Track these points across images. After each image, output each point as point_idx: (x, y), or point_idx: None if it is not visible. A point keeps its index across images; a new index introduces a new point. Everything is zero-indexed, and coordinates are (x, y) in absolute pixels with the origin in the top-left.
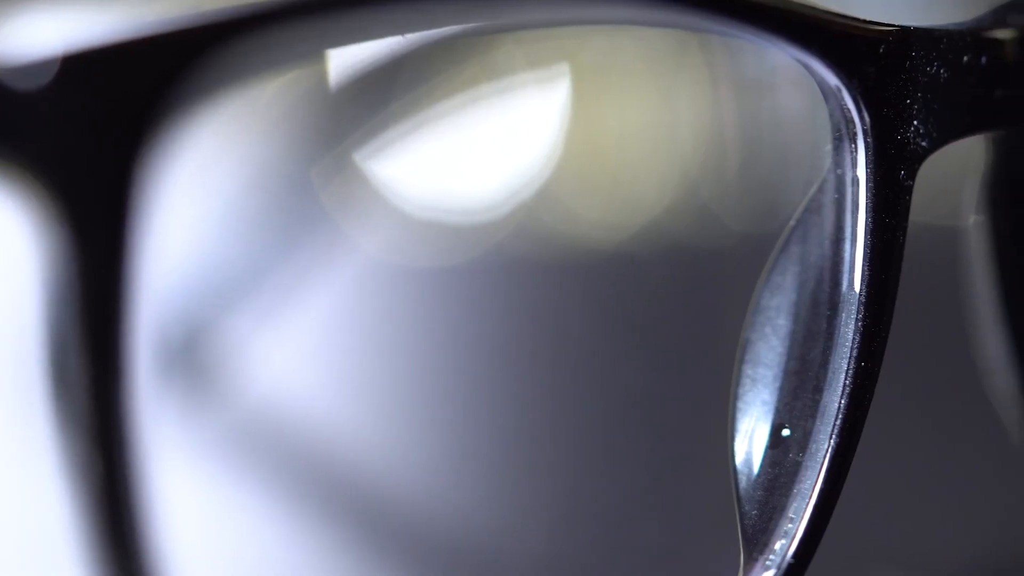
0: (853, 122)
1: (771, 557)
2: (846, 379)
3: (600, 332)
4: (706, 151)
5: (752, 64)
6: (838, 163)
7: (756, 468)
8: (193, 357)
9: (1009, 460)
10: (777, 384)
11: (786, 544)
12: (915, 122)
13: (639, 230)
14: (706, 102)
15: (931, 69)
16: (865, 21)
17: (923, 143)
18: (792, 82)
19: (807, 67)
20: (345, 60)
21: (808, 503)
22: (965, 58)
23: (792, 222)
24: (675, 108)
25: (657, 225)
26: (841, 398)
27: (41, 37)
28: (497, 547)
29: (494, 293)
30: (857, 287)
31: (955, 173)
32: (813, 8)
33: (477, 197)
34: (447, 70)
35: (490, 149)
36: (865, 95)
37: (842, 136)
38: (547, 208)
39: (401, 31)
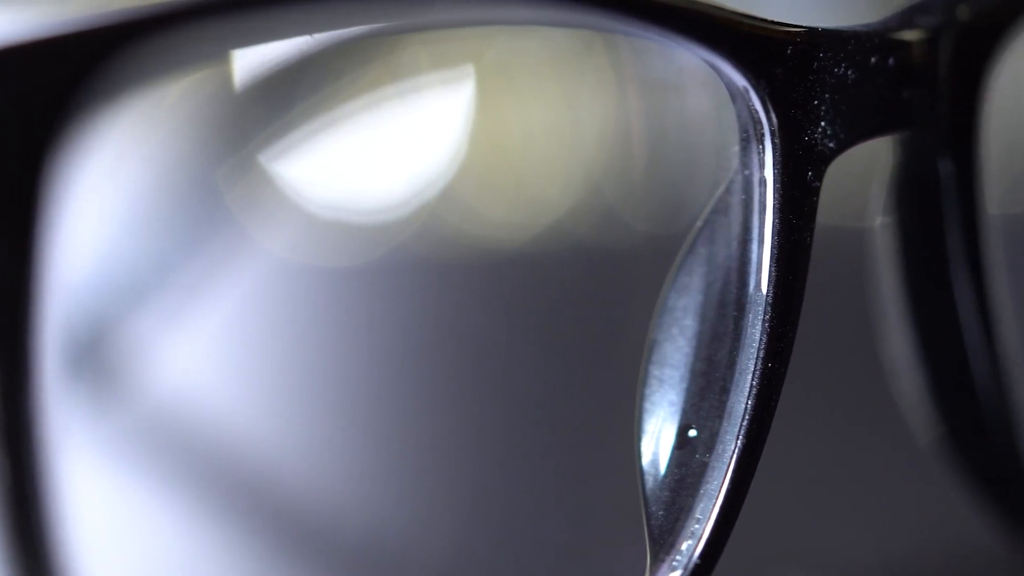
0: (760, 123)
1: (677, 558)
2: (753, 380)
3: (504, 332)
4: (611, 152)
5: (659, 65)
6: (745, 164)
7: (663, 469)
8: (99, 356)
9: (914, 460)
10: (684, 385)
11: (693, 544)
12: (822, 123)
13: (543, 230)
14: (611, 103)
15: (839, 70)
16: (773, 22)
17: (830, 144)
18: (699, 83)
19: (715, 68)
20: (250, 61)
21: (715, 504)
22: (873, 59)
23: (699, 223)
24: (580, 109)
25: (561, 225)
26: (748, 399)
27: None
28: (403, 546)
29: (397, 293)
30: (764, 288)
31: (862, 174)
32: (721, 9)
33: (381, 197)
34: (352, 71)
35: (394, 150)
36: (773, 96)
37: (749, 137)
38: (450, 208)
39: (306, 31)
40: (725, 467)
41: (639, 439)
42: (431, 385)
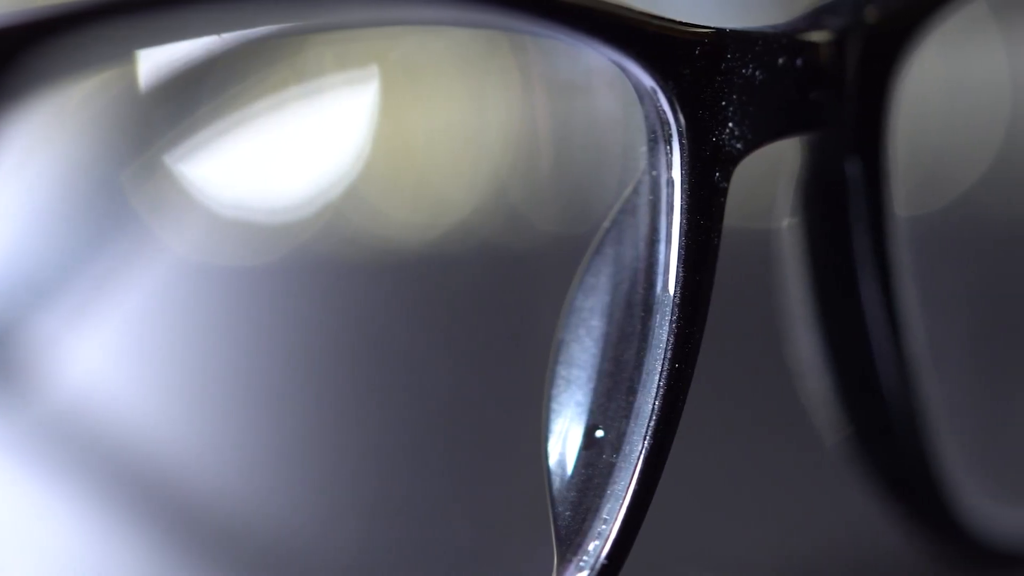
0: (668, 124)
1: (584, 558)
2: (660, 380)
3: (409, 332)
4: (516, 152)
5: (566, 65)
6: (653, 165)
7: (570, 469)
8: (3, 354)
9: (820, 461)
10: (591, 385)
11: (600, 545)
12: (730, 124)
13: (448, 230)
14: (517, 103)
15: (746, 71)
16: (681, 23)
17: (738, 145)
18: (607, 84)
19: (622, 68)
20: (157, 62)
21: (622, 504)
22: (780, 60)
23: (606, 224)
24: (485, 109)
25: (466, 226)
26: (655, 399)
27: None
28: (308, 546)
29: (301, 292)
30: (671, 289)
31: (769, 175)
32: (628, 9)
33: (284, 197)
34: (257, 72)
35: (298, 150)
36: (680, 97)
37: (657, 138)
38: (354, 208)
39: (212, 31)
40: (632, 468)
41: (546, 439)
42: (335, 385)
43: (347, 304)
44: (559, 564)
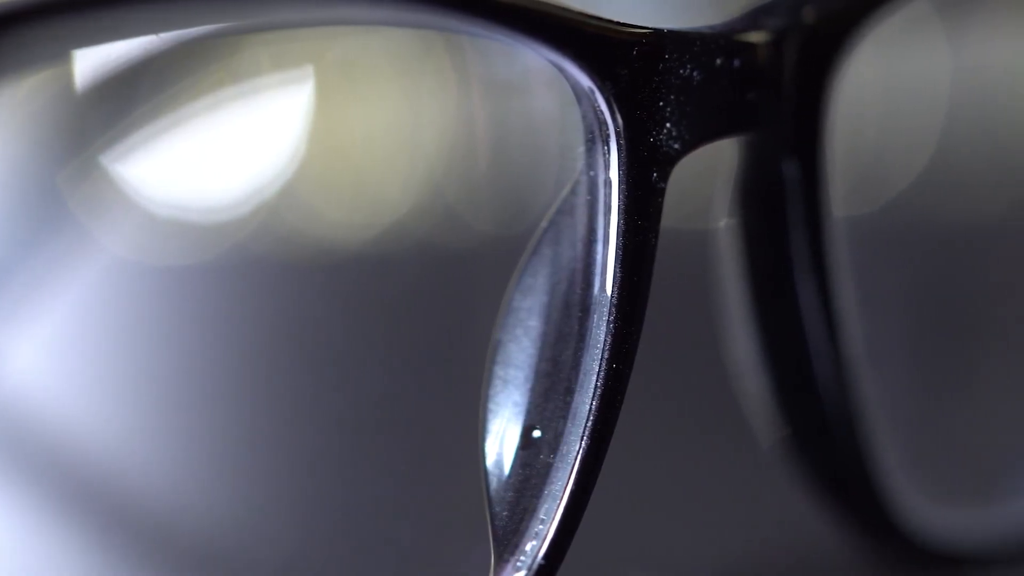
0: (606, 124)
1: (522, 558)
2: (597, 381)
3: (345, 332)
4: (453, 152)
5: (504, 65)
6: (591, 165)
7: (507, 469)
8: None
9: (758, 461)
10: (528, 386)
11: (537, 545)
12: (668, 124)
13: (383, 230)
14: (454, 103)
15: (684, 72)
16: (618, 23)
17: (675, 145)
18: (545, 84)
19: (560, 69)
20: (92, 63)
21: (559, 504)
22: (718, 61)
23: (544, 224)
24: (421, 109)
25: (402, 225)
26: (592, 400)
27: None
28: (245, 547)
29: (236, 291)
30: (609, 289)
31: (707, 176)
32: (566, 9)
33: (220, 196)
34: (194, 73)
35: (234, 149)
36: (618, 97)
37: (595, 138)
38: (290, 207)
39: (149, 31)
40: (569, 468)
41: (483, 440)
42: (271, 385)
43: (283, 303)
44: (496, 564)
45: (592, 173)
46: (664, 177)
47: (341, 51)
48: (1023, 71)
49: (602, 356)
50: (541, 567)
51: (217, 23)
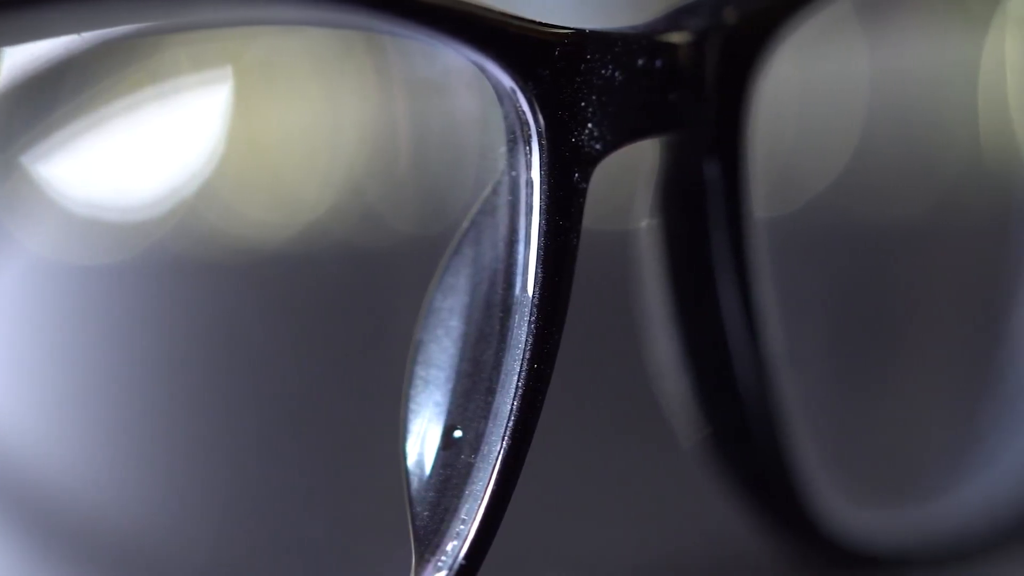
0: (528, 124)
1: (443, 558)
2: (519, 381)
3: (263, 332)
4: (372, 152)
5: (425, 65)
6: (512, 165)
7: (428, 469)
8: None
9: (679, 461)
10: (449, 386)
11: (458, 545)
12: (590, 125)
13: (302, 229)
14: (374, 103)
15: (606, 72)
16: (540, 23)
17: (597, 146)
18: (466, 84)
19: (482, 69)
20: (13, 63)
21: (480, 504)
22: (640, 61)
23: (465, 224)
24: (341, 109)
25: (321, 224)
26: (514, 400)
27: None
28: (164, 545)
29: (155, 290)
30: (530, 289)
31: (629, 176)
32: (487, 9)
33: (139, 195)
34: (114, 73)
35: (154, 149)
36: (540, 97)
37: (516, 138)
38: (209, 206)
39: (70, 31)
40: (491, 468)
41: (404, 440)
42: (189, 384)
43: (201, 302)
44: (417, 564)
45: (514, 173)
46: (586, 177)
47: (261, 51)
48: (940, 73)
49: (523, 356)
50: (462, 567)
51: (138, 22)
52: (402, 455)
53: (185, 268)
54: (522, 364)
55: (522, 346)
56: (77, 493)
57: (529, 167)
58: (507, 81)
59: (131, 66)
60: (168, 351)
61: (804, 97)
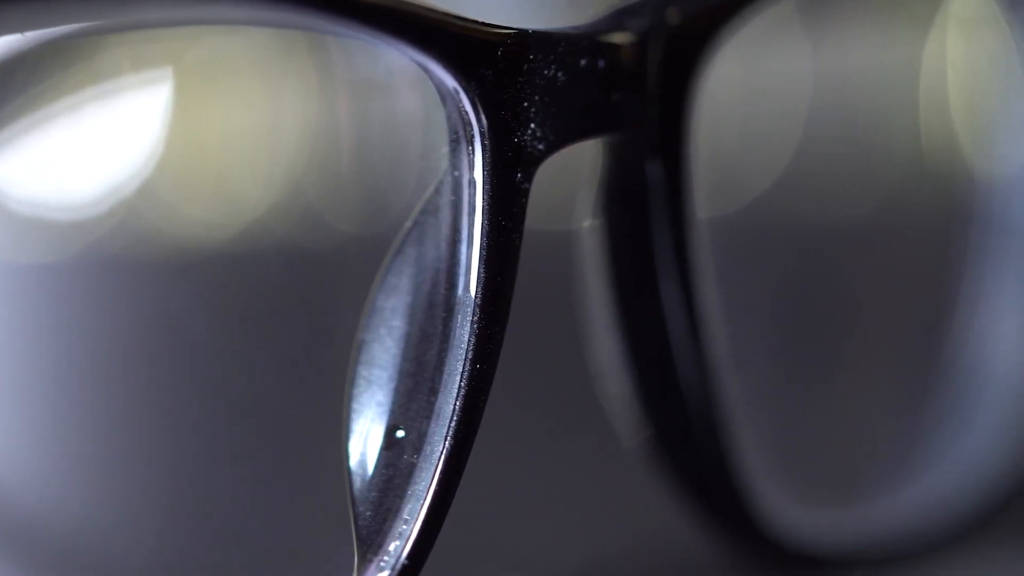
0: (470, 124)
1: (385, 558)
2: (461, 381)
3: (205, 331)
4: (314, 152)
5: (368, 65)
6: (455, 165)
7: (370, 469)
8: None
9: (621, 462)
10: (392, 386)
11: (400, 545)
12: (532, 125)
13: (244, 229)
14: (316, 103)
15: (549, 72)
16: (483, 23)
17: (540, 146)
18: (409, 84)
19: (425, 69)
20: None
21: (422, 504)
22: (582, 61)
23: (408, 224)
24: (282, 109)
25: (262, 224)
26: (456, 400)
27: None
28: (105, 545)
29: (95, 289)
30: (473, 290)
31: (571, 176)
32: (430, 9)
33: (79, 194)
34: (55, 74)
35: (94, 148)
36: (482, 98)
37: (459, 138)
38: (149, 206)
39: (10, 31)
40: (433, 468)
41: (347, 440)
42: (130, 384)
43: (141, 302)
44: (360, 564)
45: (456, 173)
46: (528, 177)
47: (202, 51)
48: (883, 73)
49: (466, 356)
50: (405, 567)
51: (80, 22)
52: (345, 455)
53: (125, 267)
54: (465, 364)
55: (465, 346)
56: (14, 493)
57: (472, 167)
58: (450, 81)
59: (73, 66)
60: (108, 351)
61: (746, 97)
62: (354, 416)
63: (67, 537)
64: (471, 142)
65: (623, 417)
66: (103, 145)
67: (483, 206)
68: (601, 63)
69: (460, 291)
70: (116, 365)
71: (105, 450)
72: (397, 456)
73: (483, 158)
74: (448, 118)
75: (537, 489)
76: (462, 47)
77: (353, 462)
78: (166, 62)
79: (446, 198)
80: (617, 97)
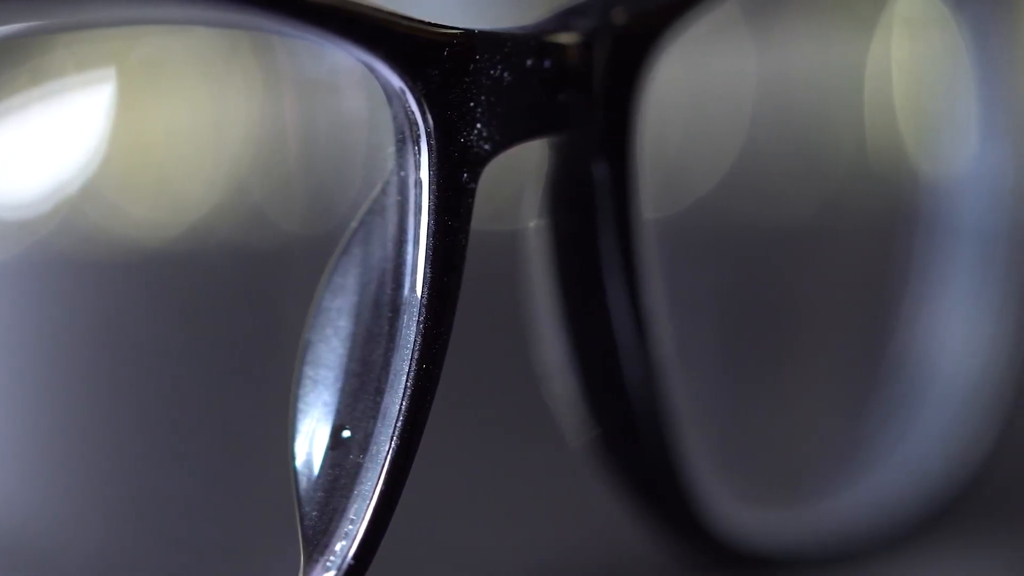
0: (417, 124)
1: (331, 558)
2: (407, 381)
3: (149, 330)
4: (259, 151)
5: (314, 65)
6: (401, 165)
7: (317, 469)
8: None
9: (567, 462)
10: (338, 386)
11: (347, 545)
12: (478, 125)
13: (187, 228)
14: (261, 103)
15: (495, 72)
16: (430, 24)
17: (486, 146)
18: (355, 83)
19: (371, 69)
20: None
21: (368, 504)
22: (529, 62)
23: (354, 224)
24: (227, 108)
25: (206, 224)
26: (402, 400)
27: None
28: (50, 545)
29: (38, 288)
30: (419, 290)
31: (518, 176)
32: (377, 9)
33: (22, 193)
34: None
35: (37, 147)
36: (429, 98)
37: (405, 138)
38: (93, 205)
39: None
40: (379, 468)
41: (293, 440)
42: (73, 384)
43: (85, 301)
44: (306, 564)
45: (403, 173)
46: (475, 178)
47: (146, 51)
48: (827, 74)
49: (412, 356)
50: (351, 567)
51: (23, 22)
52: (291, 455)
53: (68, 266)
54: (411, 364)
55: (411, 346)
56: None
57: (418, 167)
58: (396, 81)
59: (17, 67)
60: (51, 350)
61: (692, 98)
62: (300, 416)
63: (9, 537)
64: (417, 142)
65: (569, 417)
66: (47, 145)
67: (429, 206)
68: (547, 63)
69: (406, 291)
70: (59, 365)
71: (47, 450)
72: (343, 456)
73: (429, 158)
74: (394, 118)
75: (483, 489)
76: (408, 47)
77: (299, 462)
78: (110, 62)
79: (392, 198)
80: (563, 97)
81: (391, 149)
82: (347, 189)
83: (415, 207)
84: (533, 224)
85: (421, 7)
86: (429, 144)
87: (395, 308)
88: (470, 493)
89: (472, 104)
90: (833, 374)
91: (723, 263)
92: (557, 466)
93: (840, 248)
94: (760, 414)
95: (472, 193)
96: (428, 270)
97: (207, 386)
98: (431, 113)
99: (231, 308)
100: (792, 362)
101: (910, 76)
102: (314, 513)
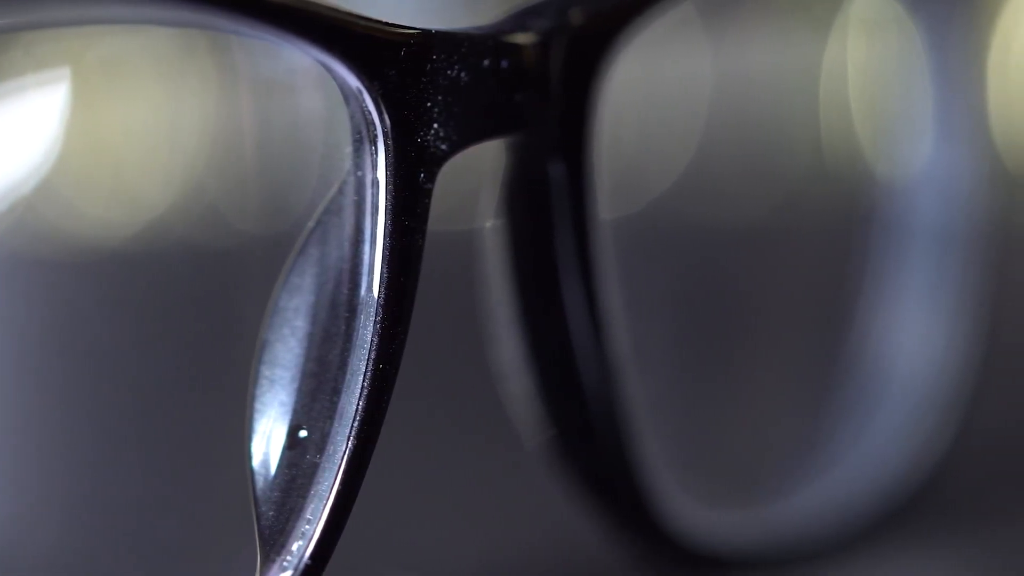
0: (374, 124)
1: (288, 558)
2: (364, 381)
3: (104, 330)
4: (215, 151)
5: (271, 65)
6: (358, 165)
7: (273, 469)
8: None
9: (523, 462)
10: (295, 386)
11: (303, 545)
12: (435, 125)
13: (143, 228)
14: (217, 102)
15: (452, 72)
16: (386, 23)
17: (443, 146)
18: (312, 83)
19: (328, 69)
20: None
21: (325, 504)
22: (485, 62)
23: (311, 224)
24: (183, 108)
25: (162, 223)
26: (359, 400)
27: None
28: (7, 543)
29: None
30: (375, 290)
31: (474, 177)
32: (333, 9)
33: None
34: None
35: None
36: (386, 97)
37: (362, 138)
38: (48, 205)
39: None
40: (336, 468)
41: (250, 439)
42: (29, 383)
43: (40, 300)
44: (263, 564)
45: (360, 173)
46: (431, 178)
47: (103, 51)
48: (783, 74)
49: (369, 356)
50: (308, 567)
51: None
52: (247, 455)
53: (23, 265)
54: (367, 364)
55: (367, 347)
56: None
57: (375, 167)
58: (353, 81)
59: None
60: (6, 350)
61: (648, 98)
62: (257, 416)
63: None
64: (374, 142)
65: (525, 417)
66: (2, 144)
67: (386, 206)
68: (504, 63)
69: (363, 291)
70: (15, 365)
71: (4, 451)
72: (300, 456)
73: (386, 158)
74: (351, 118)
75: (440, 489)
76: (365, 47)
77: (256, 462)
78: (66, 62)
79: (349, 198)
80: (520, 97)
81: (348, 149)
82: (304, 189)
83: (372, 207)
84: (489, 224)
85: (378, 7)
86: (386, 144)
87: (352, 308)
88: (426, 493)
89: (429, 104)
90: (790, 374)
91: (679, 263)
92: (513, 466)
93: (796, 248)
94: (717, 414)
95: (429, 193)
96: (385, 270)
97: (163, 386)
98: (388, 113)
99: (187, 308)
100: (748, 362)
101: (866, 77)
102: (271, 513)
